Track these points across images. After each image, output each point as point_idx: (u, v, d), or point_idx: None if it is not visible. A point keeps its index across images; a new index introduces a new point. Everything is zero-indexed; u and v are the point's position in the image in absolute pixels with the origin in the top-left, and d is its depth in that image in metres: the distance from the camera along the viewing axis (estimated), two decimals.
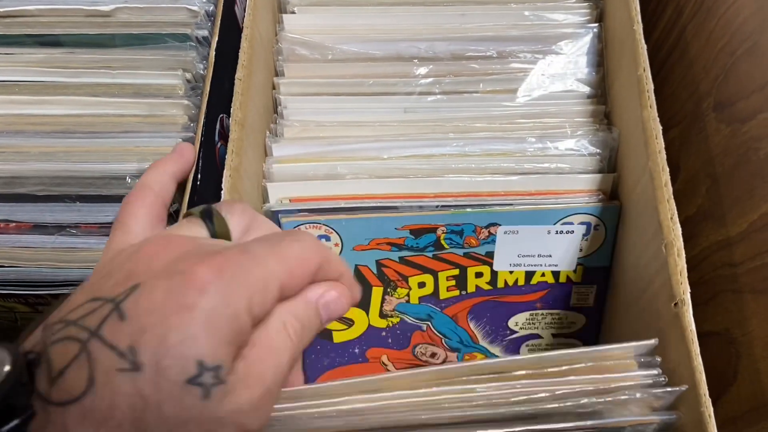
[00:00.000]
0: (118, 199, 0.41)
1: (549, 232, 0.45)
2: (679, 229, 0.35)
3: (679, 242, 0.35)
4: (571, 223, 0.44)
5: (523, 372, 0.34)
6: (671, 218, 0.35)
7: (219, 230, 0.26)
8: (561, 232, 0.45)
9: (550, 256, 0.47)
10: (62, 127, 0.43)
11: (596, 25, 0.47)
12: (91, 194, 0.41)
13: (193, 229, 0.26)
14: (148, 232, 0.28)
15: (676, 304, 0.34)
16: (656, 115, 0.38)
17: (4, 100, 0.44)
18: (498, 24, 0.48)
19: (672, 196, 0.36)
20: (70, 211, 0.41)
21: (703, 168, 0.39)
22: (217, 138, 0.44)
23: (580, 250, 0.46)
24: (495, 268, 0.47)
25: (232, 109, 0.40)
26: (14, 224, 0.41)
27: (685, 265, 0.34)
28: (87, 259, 0.40)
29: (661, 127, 0.37)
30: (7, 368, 0.19)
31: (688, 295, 0.33)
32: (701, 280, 0.39)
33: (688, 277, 0.34)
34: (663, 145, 0.37)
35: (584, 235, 0.45)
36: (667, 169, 0.36)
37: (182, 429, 0.21)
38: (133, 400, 0.20)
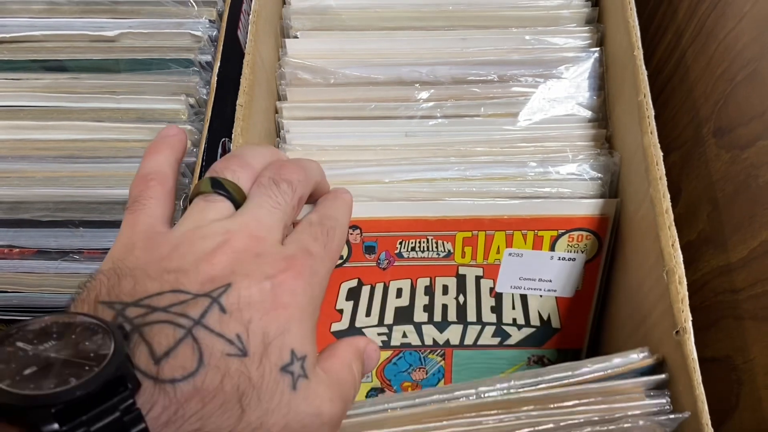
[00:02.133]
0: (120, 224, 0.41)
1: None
2: (681, 256, 0.35)
3: (681, 269, 0.35)
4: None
5: (531, 407, 0.34)
6: (672, 245, 0.35)
7: (238, 197, 0.28)
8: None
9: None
10: (67, 152, 0.44)
11: (597, 49, 0.47)
12: (94, 220, 0.41)
13: (219, 207, 0.27)
14: (167, 218, 0.28)
15: (677, 333, 0.34)
16: (657, 141, 0.38)
17: (9, 125, 0.45)
18: (499, 48, 0.48)
19: (673, 223, 0.36)
20: (74, 236, 0.41)
21: (705, 193, 0.39)
22: None
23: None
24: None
25: (233, 135, 0.40)
26: (18, 250, 0.41)
27: (687, 293, 0.34)
28: None
29: (662, 154, 0.37)
30: (112, 343, 0.20)
31: (690, 324, 0.33)
32: (702, 305, 0.39)
33: (690, 302, 0.34)
34: (664, 172, 0.37)
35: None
36: (668, 196, 0.36)
37: (271, 415, 0.23)
38: (239, 381, 0.22)
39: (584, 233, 0.44)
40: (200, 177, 0.40)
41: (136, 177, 0.30)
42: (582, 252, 0.44)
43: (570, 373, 0.35)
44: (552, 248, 0.45)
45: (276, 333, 0.23)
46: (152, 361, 0.21)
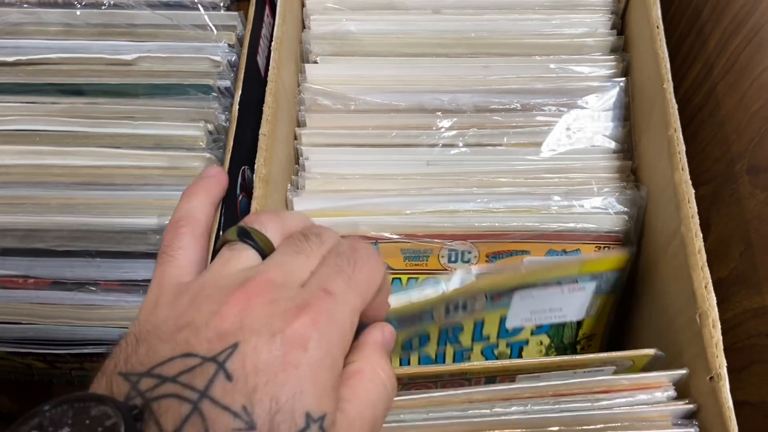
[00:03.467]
0: (138, 255, 0.40)
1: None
2: (714, 298, 0.34)
3: (714, 313, 0.34)
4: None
5: (557, 428, 0.33)
6: (706, 287, 0.34)
7: (265, 247, 0.27)
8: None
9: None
10: (83, 178, 0.43)
11: (623, 79, 0.46)
12: (110, 250, 0.40)
13: (244, 256, 0.26)
14: (196, 265, 0.28)
15: (711, 378, 0.33)
16: (688, 178, 0.37)
17: (24, 150, 0.44)
18: (522, 76, 0.47)
19: (706, 264, 0.35)
20: (90, 266, 0.40)
21: (737, 231, 0.38)
22: (239, 191, 0.43)
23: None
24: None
25: (256, 165, 0.39)
26: (33, 280, 0.40)
27: (721, 338, 0.33)
28: (107, 316, 0.40)
29: (693, 191, 0.36)
30: (122, 428, 0.19)
31: (725, 370, 0.32)
32: (735, 346, 0.38)
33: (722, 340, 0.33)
34: (696, 210, 0.36)
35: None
36: (701, 235, 0.36)
37: None
38: None
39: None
40: (222, 205, 0.39)
41: (168, 223, 0.29)
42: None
43: (590, 404, 0.34)
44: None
45: (287, 397, 0.22)
46: None
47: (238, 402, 0.21)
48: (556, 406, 0.34)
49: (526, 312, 0.45)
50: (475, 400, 0.35)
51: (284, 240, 0.28)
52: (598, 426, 0.34)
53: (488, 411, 0.34)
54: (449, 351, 0.47)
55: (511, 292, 0.42)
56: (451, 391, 0.34)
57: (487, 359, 0.48)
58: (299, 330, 0.23)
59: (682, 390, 0.35)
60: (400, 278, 0.45)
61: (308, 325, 0.23)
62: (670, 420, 0.35)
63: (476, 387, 0.35)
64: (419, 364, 0.48)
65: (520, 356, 0.48)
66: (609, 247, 0.43)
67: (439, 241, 0.43)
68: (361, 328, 0.28)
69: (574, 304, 0.45)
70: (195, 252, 0.28)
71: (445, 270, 0.45)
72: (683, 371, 0.35)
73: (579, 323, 0.47)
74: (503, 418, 0.34)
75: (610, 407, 0.34)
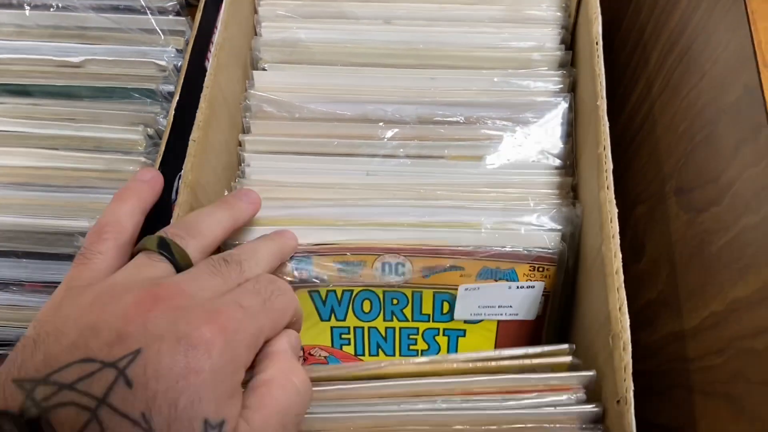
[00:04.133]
0: (64, 257, 0.41)
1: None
2: (627, 321, 0.33)
3: (626, 335, 0.33)
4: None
5: (461, 428, 0.33)
6: (620, 308, 0.34)
7: (182, 262, 0.27)
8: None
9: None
10: (20, 178, 0.43)
11: (568, 94, 0.46)
12: (37, 251, 0.40)
13: (158, 267, 0.26)
14: (112, 271, 0.28)
15: (618, 402, 0.32)
16: (613, 197, 0.36)
17: None
18: (468, 89, 0.47)
19: (623, 285, 0.34)
20: (17, 267, 0.41)
21: (665, 252, 0.37)
22: (174, 196, 0.43)
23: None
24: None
25: (183, 171, 0.39)
26: None
27: (631, 361, 0.33)
28: (30, 318, 0.40)
29: (617, 210, 0.36)
30: None
31: (631, 394, 0.32)
32: (659, 369, 0.37)
33: (647, 364, 0.33)
34: (618, 230, 0.36)
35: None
36: (620, 255, 0.35)
37: None
38: None
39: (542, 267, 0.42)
40: (153, 211, 0.39)
41: (93, 226, 0.29)
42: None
43: (498, 404, 0.34)
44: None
45: (184, 404, 0.22)
46: None
47: (137, 409, 0.21)
48: (464, 404, 0.34)
49: (474, 306, 0.45)
50: (384, 395, 0.34)
51: (204, 260, 0.28)
52: (503, 426, 0.33)
53: (395, 407, 0.34)
54: (398, 330, 0.47)
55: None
56: (363, 384, 0.34)
57: (429, 346, 0.47)
58: (206, 335, 0.23)
59: (592, 394, 0.34)
60: (335, 291, 0.45)
61: (216, 331, 0.23)
62: (577, 423, 0.34)
63: (386, 381, 0.34)
64: (369, 339, 0.47)
65: (455, 348, 0.48)
66: (543, 268, 0.43)
67: (371, 253, 0.43)
68: None
69: (524, 302, 0.44)
70: (114, 259, 0.28)
71: (380, 284, 0.44)
72: (591, 373, 0.34)
73: None
74: (410, 413, 0.33)
75: (518, 407, 0.34)
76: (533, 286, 0.44)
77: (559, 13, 0.48)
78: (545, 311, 0.45)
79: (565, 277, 0.43)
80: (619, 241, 0.35)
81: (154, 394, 0.21)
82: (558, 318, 0.45)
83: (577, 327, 0.44)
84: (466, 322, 0.46)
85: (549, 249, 0.42)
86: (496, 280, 0.43)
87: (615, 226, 0.36)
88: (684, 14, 0.37)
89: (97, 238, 0.28)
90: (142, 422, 0.21)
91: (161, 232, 0.28)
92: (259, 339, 0.26)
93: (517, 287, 0.44)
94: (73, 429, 0.20)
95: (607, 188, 0.37)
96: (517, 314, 0.45)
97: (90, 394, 0.21)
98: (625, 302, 0.34)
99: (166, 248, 0.27)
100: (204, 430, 0.22)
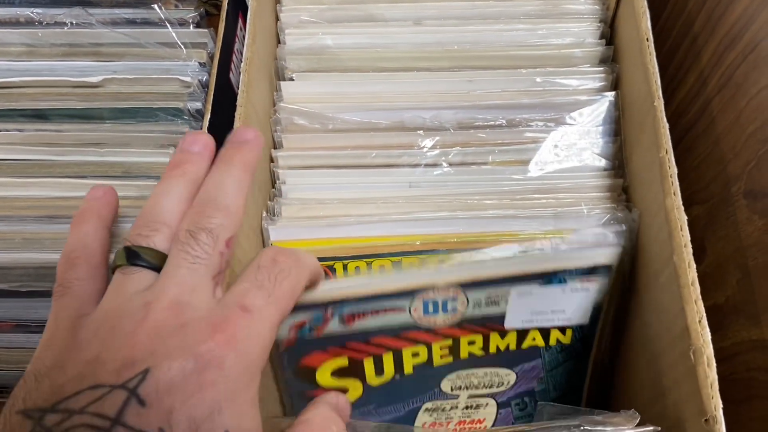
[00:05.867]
0: None
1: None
2: (709, 334, 0.32)
3: (709, 350, 0.32)
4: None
5: None
6: (699, 322, 0.33)
7: (158, 263, 0.26)
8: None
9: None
10: (48, 211, 0.41)
11: (612, 93, 0.44)
12: None
13: (138, 278, 0.25)
14: (96, 295, 0.27)
15: (707, 421, 0.31)
16: (681, 203, 0.35)
17: None
18: (507, 90, 0.45)
19: (699, 297, 0.33)
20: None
21: (733, 257, 0.36)
22: None
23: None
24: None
25: None
26: None
27: (716, 377, 0.31)
28: None
29: (686, 217, 0.35)
30: None
31: (721, 412, 0.31)
32: (733, 376, 0.36)
33: (719, 370, 0.31)
34: (689, 238, 0.34)
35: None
36: (694, 266, 0.34)
37: None
38: None
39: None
40: None
41: (61, 256, 0.28)
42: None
43: None
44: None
45: (203, 416, 0.21)
46: None
47: (154, 425, 0.20)
48: None
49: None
50: None
51: (174, 243, 0.26)
52: None
53: None
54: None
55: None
56: None
57: None
58: (214, 350, 0.22)
59: None
60: None
61: (223, 344, 0.23)
62: None
63: None
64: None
65: None
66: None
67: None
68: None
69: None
70: (93, 282, 0.27)
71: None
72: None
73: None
74: None
75: None
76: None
77: (596, 7, 0.47)
78: (597, 320, 0.44)
79: (621, 285, 0.42)
80: (691, 250, 0.34)
81: (170, 409, 0.21)
82: (612, 329, 0.44)
83: (635, 336, 0.43)
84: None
85: (605, 262, 0.41)
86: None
87: (686, 235, 0.34)
88: (748, 9, 0.36)
89: (69, 266, 0.27)
90: None
91: (125, 240, 0.27)
92: (272, 334, 0.25)
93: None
94: None
95: (674, 194, 0.36)
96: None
97: (103, 415, 0.21)
98: (705, 315, 0.33)
99: (135, 257, 0.26)
100: None
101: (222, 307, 0.24)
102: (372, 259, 0.41)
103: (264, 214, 0.42)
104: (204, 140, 0.30)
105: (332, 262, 0.40)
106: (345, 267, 0.41)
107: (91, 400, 0.21)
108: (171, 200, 0.28)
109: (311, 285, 0.30)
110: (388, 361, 0.42)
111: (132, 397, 0.21)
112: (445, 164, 0.44)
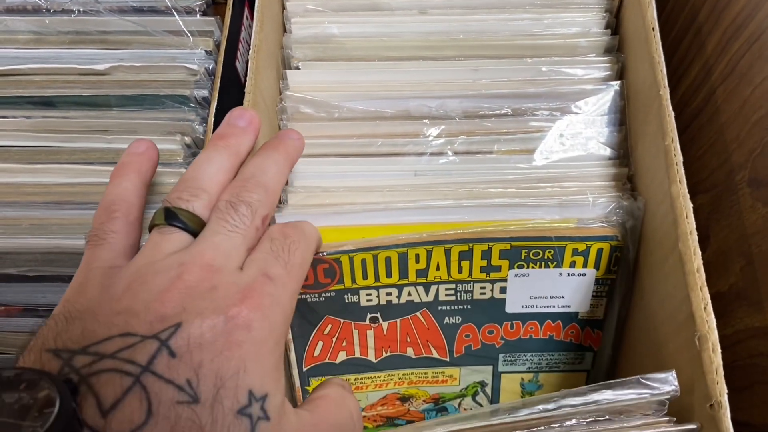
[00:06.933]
0: None
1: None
2: (714, 320, 0.32)
3: (714, 336, 0.32)
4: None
5: None
6: (705, 308, 0.33)
7: (195, 226, 0.26)
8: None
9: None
10: (55, 197, 0.41)
11: (618, 82, 0.44)
12: None
13: (175, 239, 0.26)
14: (129, 250, 0.28)
15: (711, 406, 0.31)
16: (686, 191, 0.35)
17: None
18: (513, 80, 0.45)
19: (705, 283, 0.33)
20: (62, 292, 0.38)
21: (737, 245, 0.36)
22: None
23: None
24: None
25: None
26: (3, 307, 0.38)
27: (721, 363, 0.32)
28: None
29: (691, 205, 0.35)
30: (58, 401, 0.19)
31: (726, 397, 0.31)
32: (735, 363, 0.36)
33: (722, 357, 0.32)
34: (694, 225, 0.34)
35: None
36: (699, 253, 0.34)
37: None
38: (191, 430, 0.21)
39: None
40: None
41: (99, 206, 0.28)
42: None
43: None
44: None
45: (230, 374, 0.22)
46: (99, 414, 0.20)
47: (182, 376, 0.21)
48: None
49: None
50: None
51: (213, 212, 0.27)
52: None
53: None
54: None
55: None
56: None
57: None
58: (243, 313, 0.23)
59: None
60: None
61: (252, 308, 0.24)
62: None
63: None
64: None
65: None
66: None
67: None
68: None
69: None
70: (128, 237, 0.28)
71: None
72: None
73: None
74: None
75: None
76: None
77: None
78: (608, 309, 0.44)
79: (626, 273, 0.42)
80: (697, 237, 0.34)
81: (199, 364, 0.22)
82: (622, 315, 0.44)
83: (638, 323, 0.43)
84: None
85: (609, 242, 0.41)
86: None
87: (692, 222, 0.34)
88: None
89: (107, 218, 0.28)
90: (187, 388, 0.21)
91: (165, 201, 0.28)
92: (293, 303, 0.26)
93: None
94: (116, 392, 0.21)
95: (679, 182, 0.36)
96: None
97: (133, 361, 0.21)
98: (710, 302, 0.33)
99: (174, 218, 0.26)
100: (249, 402, 0.22)
101: (247, 274, 0.25)
102: (378, 251, 0.41)
103: None
104: (250, 116, 0.32)
105: (338, 256, 0.40)
106: (351, 260, 0.41)
107: (122, 346, 0.22)
108: (213, 168, 0.28)
109: (316, 253, 0.32)
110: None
111: (163, 347, 0.22)
112: (450, 153, 0.44)
